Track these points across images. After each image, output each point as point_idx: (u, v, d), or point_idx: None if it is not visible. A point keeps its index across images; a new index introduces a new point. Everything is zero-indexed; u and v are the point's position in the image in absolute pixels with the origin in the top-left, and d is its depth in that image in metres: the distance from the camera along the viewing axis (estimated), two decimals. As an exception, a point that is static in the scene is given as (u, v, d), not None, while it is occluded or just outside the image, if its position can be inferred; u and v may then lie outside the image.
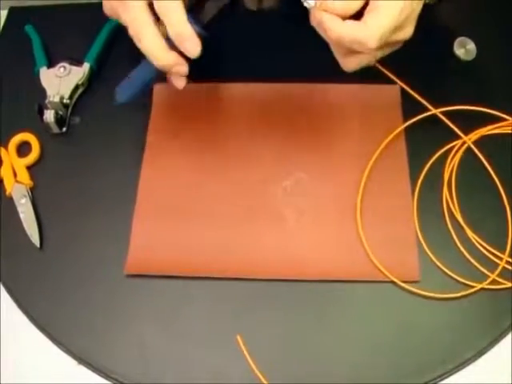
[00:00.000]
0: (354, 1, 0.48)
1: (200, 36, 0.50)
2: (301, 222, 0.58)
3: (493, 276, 0.53)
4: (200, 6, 0.52)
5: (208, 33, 0.52)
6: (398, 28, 0.49)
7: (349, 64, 0.52)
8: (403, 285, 0.54)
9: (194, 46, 0.50)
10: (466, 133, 0.60)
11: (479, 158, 0.60)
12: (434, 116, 0.61)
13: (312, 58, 0.62)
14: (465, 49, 0.66)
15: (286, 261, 0.56)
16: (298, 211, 0.58)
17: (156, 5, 0.50)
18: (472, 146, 0.60)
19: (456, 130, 0.60)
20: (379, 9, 0.48)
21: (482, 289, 0.53)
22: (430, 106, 0.60)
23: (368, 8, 0.49)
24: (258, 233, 0.58)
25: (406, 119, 0.62)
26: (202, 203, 0.59)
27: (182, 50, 0.51)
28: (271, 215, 0.58)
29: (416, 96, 0.60)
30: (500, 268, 0.54)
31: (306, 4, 0.49)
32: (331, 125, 0.58)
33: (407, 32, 0.51)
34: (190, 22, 0.50)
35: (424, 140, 0.61)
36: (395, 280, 0.54)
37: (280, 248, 0.57)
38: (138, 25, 0.51)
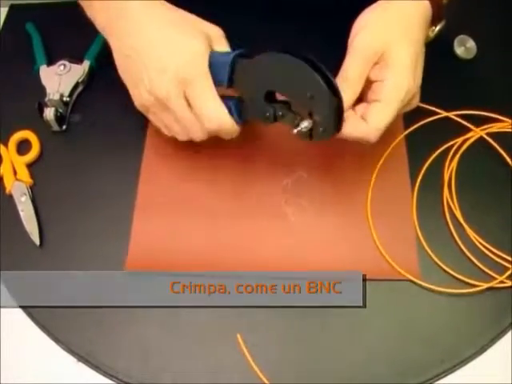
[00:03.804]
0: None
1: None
2: (301, 219, 0.58)
3: (501, 278, 0.53)
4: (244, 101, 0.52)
5: (243, 122, 0.53)
6: (403, 107, 0.50)
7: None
8: (421, 282, 0.54)
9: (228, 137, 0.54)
10: (466, 133, 0.61)
11: (479, 157, 0.60)
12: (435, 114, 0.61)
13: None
14: (465, 47, 0.66)
15: (287, 258, 0.56)
16: (299, 209, 0.58)
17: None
18: (486, 137, 0.60)
19: (467, 124, 0.61)
20: (381, 104, 0.48)
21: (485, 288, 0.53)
22: (439, 110, 0.61)
23: (370, 95, 0.49)
24: (259, 230, 0.58)
25: (406, 117, 0.62)
26: (202, 201, 0.59)
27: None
28: (272, 213, 0.58)
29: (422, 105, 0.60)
30: (510, 271, 0.54)
31: (303, 128, 0.49)
32: None
33: (413, 104, 0.52)
34: (230, 107, 0.51)
35: (424, 138, 0.61)
36: (413, 279, 0.54)
37: (281, 245, 0.57)
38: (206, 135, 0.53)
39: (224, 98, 0.51)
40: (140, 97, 0.53)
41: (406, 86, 0.48)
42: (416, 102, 0.52)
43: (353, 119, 0.49)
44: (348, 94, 0.48)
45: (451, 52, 0.66)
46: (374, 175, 0.59)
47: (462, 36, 0.66)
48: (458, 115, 0.61)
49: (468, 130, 0.61)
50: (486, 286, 0.53)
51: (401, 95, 0.48)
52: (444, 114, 0.62)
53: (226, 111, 0.51)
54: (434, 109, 0.62)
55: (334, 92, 0.46)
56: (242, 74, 0.51)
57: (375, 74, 0.49)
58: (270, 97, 0.51)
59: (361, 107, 0.50)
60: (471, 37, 0.66)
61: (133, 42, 0.51)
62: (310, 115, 0.48)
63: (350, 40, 0.50)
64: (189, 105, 0.51)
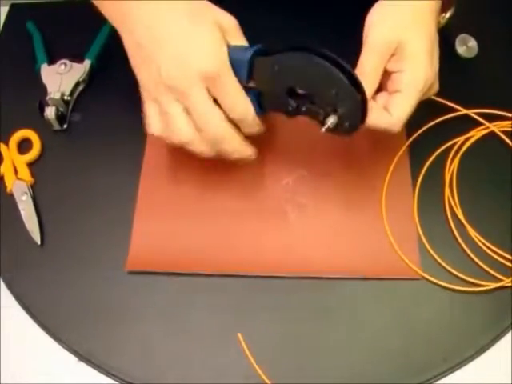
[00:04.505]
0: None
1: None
2: (302, 219, 0.58)
3: (508, 280, 0.53)
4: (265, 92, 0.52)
5: (265, 112, 0.53)
6: (423, 95, 0.50)
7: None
8: (434, 279, 0.54)
9: (254, 131, 0.52)
10: (467, 132, 0.61)
11: (481, 156, 0.60)
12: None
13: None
14: (466, 46, 0.66)
15: (288, 257, 0.56)
16: (300, 208, 0.58)
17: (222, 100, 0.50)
18: (498, 133, 0.60)
19: (480, 119, 0.61)
20: (402, 95, 0.49)
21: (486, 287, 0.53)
22: (458, 107, 0.61)
23: (390, 85, 0.50)
24: (260, 229, 0.58)
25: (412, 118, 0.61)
26: (203, 200, 0.59)
27: (242, 130, 0.52)
28: (272, 212, 0.58)
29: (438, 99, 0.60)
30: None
31: (330, 125, 0.49)
32: None
33: (432, 92, 0.52)
34: (252, 101, 0.51)
35: (425, 137, 0.61)
36: (426, 276, 0.54)
37: (282, 244, 0.57)
38: (221, 134, 0.51)
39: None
40: (148, 83, 0.52)
41: (424, 75, 0.49)
42: (435, 89, 0.52)
43: (376, 111, 0.50)
44: (367, 88, 0.48)
45: (453, 51, 0.66)
46: (382, 175, 0.59)
47: (463, 35, 0.66)
48: (460, 114, 0.61)
49: (470, 128, 0.61)
50: (493, 286, 0.53)
51: (420, 85, 0.49)
52: (463, 110, 0.61)
53: (249, 102, 0.51)
54: (445, 102, 0.61)
55: (358, 87, 0.46)
56: (261, 72, 0.50)
57: (393, 66, 0.49)
58: (291, 91, 0.50)
59: (382, 97, 0.51)
60: (472, 36, 0.66)
61: (148, 32, 0.50)
62: (335, 110, 0.48)
63: (364, 34, 0.50)
64: (210, 97, 0.50)
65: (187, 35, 0.49)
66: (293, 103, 0.50)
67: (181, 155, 0.62)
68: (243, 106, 0.51)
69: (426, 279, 0.54)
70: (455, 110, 0.61)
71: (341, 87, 0.46)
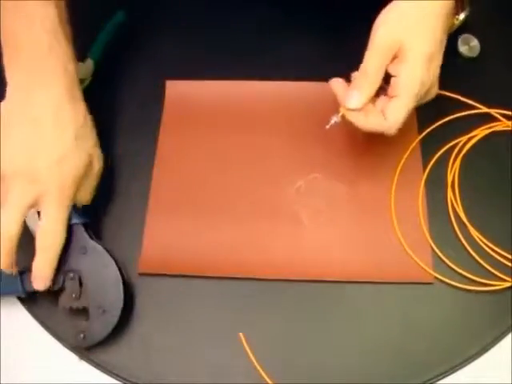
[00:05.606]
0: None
1: None
2: (315, 222, 0.57)
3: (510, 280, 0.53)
4: None
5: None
6: (420, 99, 0.51)
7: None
8: (436, 279, 0.54)
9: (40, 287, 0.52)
10: (469, 132, 0.61)
11: (482, 155, 0.60)
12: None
13: (326, 61, 0.64)
14: (468, 46, 0.66)
15: (300, 261, 0.56)
16: (313, 211, 0.58)
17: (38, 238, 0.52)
18: None
19: (496, 114, 0.61)
20: (397, 100, 0.49)
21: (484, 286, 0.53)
22: (480, 106, 0.61)
23: (390, 90, 0.50)
24: (272, 233, 0.57)
25: (418, 119, 0.61)
26: (215, 203, 0.59)
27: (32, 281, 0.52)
28: (285, 215, 0.58)
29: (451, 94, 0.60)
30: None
31: (333, 122, 0.52)
32: (345, 124, 0.57)
33: (431, 95, 0.53)
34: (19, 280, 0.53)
35: (426, 138, 0.61)
36: (438, 277, 0.54)
37: (294, 248, 0.56)
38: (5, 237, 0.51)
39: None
40: None
41: (420, 79, 0.49)
42: (434, 92, 0.53)
43: (374, 115, 0.51)
44: (367, 87, 0.50)
45: (455, 51, 0.66)
46: (395, 177, 0.59)
47: (465, 35, 0.66)
48: (463, 115, 0.61)
49: (472, 128, 0.61)
50: (497, 286, 0.53)
51: (415, 89, 0.49)
52: (484, 108, 0.61)
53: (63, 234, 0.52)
54: (463, 99, 0.62)
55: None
56: None
57: (393, 69, 0.50)
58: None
59: (380, 101, 0.51)
60: (475, 36, 0.66)
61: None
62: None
63: (371, 37, 0.51)
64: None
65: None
66: (60, 280, 0.53)
67: (192, 157, 0.61)
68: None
69: (438, 279, 0.54)
70: (469, 108, 0.61)
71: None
